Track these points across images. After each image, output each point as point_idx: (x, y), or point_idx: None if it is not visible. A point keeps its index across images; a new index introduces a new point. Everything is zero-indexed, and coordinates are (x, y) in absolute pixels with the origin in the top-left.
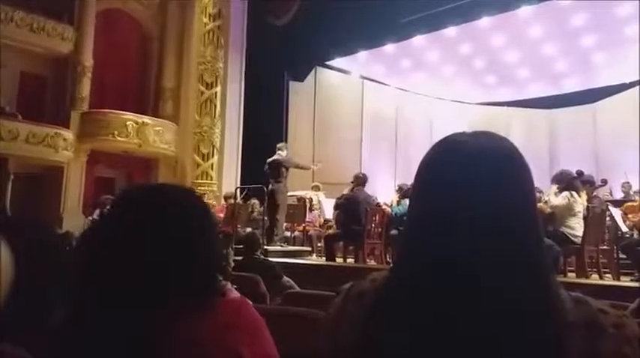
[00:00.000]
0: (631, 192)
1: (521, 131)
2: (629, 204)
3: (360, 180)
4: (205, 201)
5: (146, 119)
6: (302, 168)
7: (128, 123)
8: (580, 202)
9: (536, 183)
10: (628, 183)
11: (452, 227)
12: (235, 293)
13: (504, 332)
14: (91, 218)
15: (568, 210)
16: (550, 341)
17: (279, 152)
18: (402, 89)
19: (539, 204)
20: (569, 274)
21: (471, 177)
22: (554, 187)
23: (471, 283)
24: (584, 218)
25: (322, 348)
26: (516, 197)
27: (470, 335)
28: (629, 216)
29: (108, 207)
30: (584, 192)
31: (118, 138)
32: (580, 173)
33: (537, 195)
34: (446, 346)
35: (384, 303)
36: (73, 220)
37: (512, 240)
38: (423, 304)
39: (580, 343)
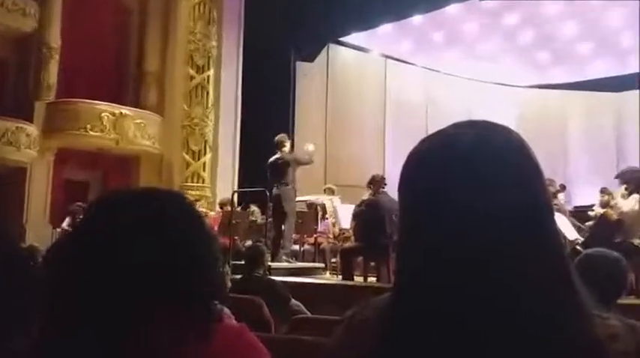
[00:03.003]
0: None
1: (582, 119)
2: None
3: (378, 183)
4: (197, 208)
5: (125, 110)
6: (304, 163)
7: (103, 114)
8: None
9: (603, 183)
10: None
11: (456, 238)
12: (232, 320)
13: None
14: (59, 229)
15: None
16: None
17: (283, 148)
18: (432, 69)
19: (605, 210)
20: None
21: (469, 177)
22: (622, 188)
23: (489, 305)
24: None
25: None
26: (527, 198)
27: None
28: None
29: (80, 217)
30: None
31: (91, 133)
32: None
33: (605, 197)
34: None
35: (391, 333)
36: (39, 231)
37: (532, 253)
38: (435, 332)
39: None
